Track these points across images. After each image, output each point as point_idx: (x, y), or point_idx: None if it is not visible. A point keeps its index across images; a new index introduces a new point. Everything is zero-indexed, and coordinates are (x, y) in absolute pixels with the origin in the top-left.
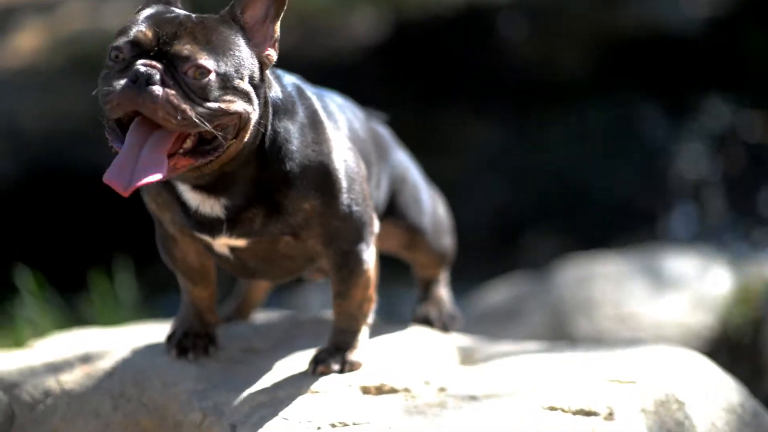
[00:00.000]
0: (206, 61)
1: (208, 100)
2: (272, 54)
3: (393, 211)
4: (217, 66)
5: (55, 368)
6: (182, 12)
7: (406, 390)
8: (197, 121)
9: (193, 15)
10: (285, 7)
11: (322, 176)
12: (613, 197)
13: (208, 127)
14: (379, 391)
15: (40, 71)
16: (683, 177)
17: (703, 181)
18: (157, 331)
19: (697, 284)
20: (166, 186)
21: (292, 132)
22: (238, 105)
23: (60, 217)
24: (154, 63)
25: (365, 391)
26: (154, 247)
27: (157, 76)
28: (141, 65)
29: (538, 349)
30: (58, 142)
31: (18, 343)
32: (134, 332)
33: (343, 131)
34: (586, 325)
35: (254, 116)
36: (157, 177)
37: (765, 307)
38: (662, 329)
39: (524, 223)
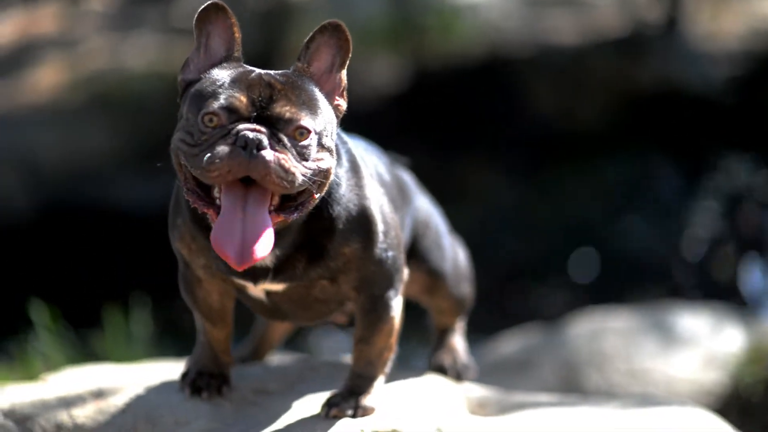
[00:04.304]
0: (306, 121)
1: (308, 160)
2: (342, 104)
3: (415, 254)
4: (315, 125)
5: (68, 402)
6: (258, 70)
7: None
8: (302, 181)
9: (272, 72)
10: (350, 55)
11: (363, 220)
12: (627, 253)
13: (312, 187)
14: None
15: (60, 108)
16: (698, 235)
17: (717, 240)
18: (170, 369)
19: (709, 342)
20: (204, 232)
21: (341, 176)
22: (327, 162)
23: (77, 253)
24: (260, 128)
25: None
26: (170, 285)
27: (266, 141)
28: (248, 131)
29: (549, 402)
30: (76, 178)
31: (30, 376)
32: (147, 369)
33: (374, 176)
34: (597, 378)
35: (333, 169)
36: (270, 245)
37: None
38: (673, 385)
39: (538, 275)
